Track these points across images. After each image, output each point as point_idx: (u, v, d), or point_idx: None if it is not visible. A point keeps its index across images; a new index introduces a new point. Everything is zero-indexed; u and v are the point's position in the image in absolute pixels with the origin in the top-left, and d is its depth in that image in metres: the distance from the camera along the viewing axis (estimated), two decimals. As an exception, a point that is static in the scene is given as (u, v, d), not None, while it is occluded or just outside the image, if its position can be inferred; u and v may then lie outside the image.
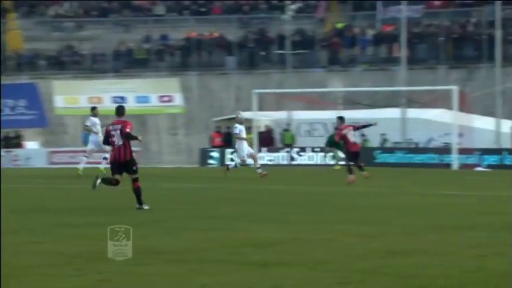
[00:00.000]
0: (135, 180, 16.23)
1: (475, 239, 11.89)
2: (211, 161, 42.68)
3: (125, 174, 16.50)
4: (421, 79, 44.75)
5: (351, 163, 25.31)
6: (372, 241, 11.63)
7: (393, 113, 40.86)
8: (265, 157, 41.56)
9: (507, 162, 37.13)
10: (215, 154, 42.81)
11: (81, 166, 28.46)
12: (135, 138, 16.47)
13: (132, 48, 51.46)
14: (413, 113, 41.57)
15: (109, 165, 17.26)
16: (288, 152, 41.65)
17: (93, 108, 29.37)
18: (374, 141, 41.30)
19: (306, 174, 32.91)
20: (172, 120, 48.42)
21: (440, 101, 40.49)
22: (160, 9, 54.74)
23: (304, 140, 42.97)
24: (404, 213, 16.09)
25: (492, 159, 37.56)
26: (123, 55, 51.41)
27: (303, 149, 41.22)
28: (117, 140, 16.36)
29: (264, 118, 44.02)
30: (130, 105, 46.69)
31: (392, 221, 14.39)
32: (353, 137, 25.44)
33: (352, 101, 43.50)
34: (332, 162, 39.73)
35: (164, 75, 49.33)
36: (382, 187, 24.41)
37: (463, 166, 37.05)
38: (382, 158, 38.86)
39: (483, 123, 40.60)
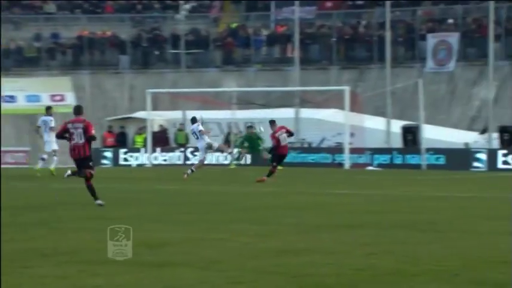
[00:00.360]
0: (88, 179, 17.24)
1: (366, 237, 12.11)
2: (104, 161, 42.23)
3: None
4: (313, 79, 45.32)
5: (275, 164, 26.00)
6: (264, 240, 11.73)
7: (287, 113, 41.25)
8: (159, 157, 41.42)
9: (397, 161, 37.94)
10: (108, 154, 42.40)
11: (53, 166, 28.82)
12: (95, 139, 17.87)
13: (22, 46, 50.50)
14: (306, 113, 42.06)
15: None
16: (182, 151, 41.60)
17: (50, 108, 30.27)
18: (268, 141, 41.54)
19: (200, 173, 32.90)
20: (64, 119, 47.69)
21: (332, 101, 41.08)
22: (51, 7, 53.88)
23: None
24: (297, 212, 16.27)
25: (383, 158, 38.30)
26: (13, 53, 50.41)
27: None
28: (78, 138, 17.34)
29: (158, 118, 43.85)
30: (21, 105, 45.88)
31: (285, 221, 14.53)
32: (285, 140, 26.26)
33: (246, 101, 43.72)
34: (227, 162, 39.87)
35: (56, 74, 48.58)
36: (276, 187, 24.61)
37: (355, 165, 37.68)
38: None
39: (374, 123, 41.35)
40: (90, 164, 17.42)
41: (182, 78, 46.20)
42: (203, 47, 49.33)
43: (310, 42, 48.14)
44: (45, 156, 29.09)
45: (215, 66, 49.31)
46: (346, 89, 39.06)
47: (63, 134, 17.73)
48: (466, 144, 39.08)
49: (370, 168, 37.45)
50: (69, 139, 17.52)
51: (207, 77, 48.06)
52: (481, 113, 44.16)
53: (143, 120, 42.20)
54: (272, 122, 27.01)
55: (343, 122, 38.21)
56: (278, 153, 26.44)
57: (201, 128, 28.43)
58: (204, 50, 49.30)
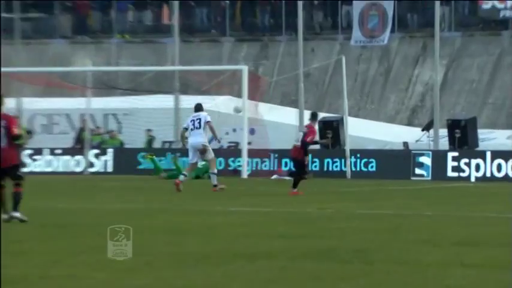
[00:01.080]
0: (18, 185, 18.02)
1: (270, 271, 12.20)
2: None
3: None
4: (199, 55, 45.43)
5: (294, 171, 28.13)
6: (131, 276, 11.71)
7: (163, 101, 41.24)
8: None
9: (313, 167, 38.27)
10: None
11: None
12: (20, 138, 18.08)
13: None
14: (189, 101, 42.07)
15: None
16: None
17: None
18: (137, 140, 41.45)
19: (43, 185, 32.61)
20: None
21: (225, 85, 41.25)
22: None
23: (41, 138, 42.57)
24: (176, 237, 16.27)
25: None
26: None
27: (38, 151, 40.80)
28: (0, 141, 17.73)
29: (-16, 108, 43.30)
30: None
31: (160, 249, 14.52)
32: (298, 140, 27.17)
33: (106, 85, 43.52)
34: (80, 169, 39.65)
35: None
36: (148, 202, 24.56)
37: (256, 173, 37.87)
38: (147, 162, 39.00)
39: (282, 115, 41.66)
40: (18, 173, 17.98)
41: (17, 52, 45.73)
42: (46, 11, 48.93)
43: (194, 4, 48.24)
44: None
45: (63, 37, 48.97)
46: (244, 68, 39.24)
47: None
48: (405, 144, 39.73)
49: (277, 176, 37.72)
50: None
51: (52, 51, 47.69)
52: (424, 102, 45.00)
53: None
54: (314, 115, 28.03)
55: (240, 114, 38.40)
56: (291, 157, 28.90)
57: (209, 119, 28.77)
58: (47, 14, 48.89)
